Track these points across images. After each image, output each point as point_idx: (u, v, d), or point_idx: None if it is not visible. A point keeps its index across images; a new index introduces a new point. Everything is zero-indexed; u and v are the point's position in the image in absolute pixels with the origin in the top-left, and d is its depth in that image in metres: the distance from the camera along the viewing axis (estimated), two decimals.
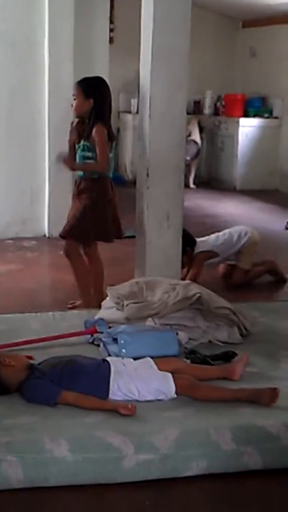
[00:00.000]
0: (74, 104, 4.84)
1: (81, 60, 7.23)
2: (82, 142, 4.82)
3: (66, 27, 7.07)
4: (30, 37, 7.09)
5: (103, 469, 2.87)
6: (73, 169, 5.01)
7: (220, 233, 5.89)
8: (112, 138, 4.91)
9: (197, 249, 5.69)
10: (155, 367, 3.43)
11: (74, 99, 4.84)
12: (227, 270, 5.95)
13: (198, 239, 5.76)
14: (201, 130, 11.14)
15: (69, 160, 4.89)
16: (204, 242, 5.78)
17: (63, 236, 4.94)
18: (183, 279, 5.20)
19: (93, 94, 4.76)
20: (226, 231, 5.92)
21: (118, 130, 11.24)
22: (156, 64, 4.76)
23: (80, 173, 4.89)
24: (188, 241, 5.54)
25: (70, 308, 4.93)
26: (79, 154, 4.85)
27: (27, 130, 7.24)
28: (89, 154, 4.79)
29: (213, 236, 5.87)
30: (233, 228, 5.97)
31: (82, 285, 4.97)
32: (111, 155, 4.85)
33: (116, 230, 4.95)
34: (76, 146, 4.86)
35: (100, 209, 4.81)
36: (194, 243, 5.69)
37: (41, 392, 3.24)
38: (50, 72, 7.10)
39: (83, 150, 4.81)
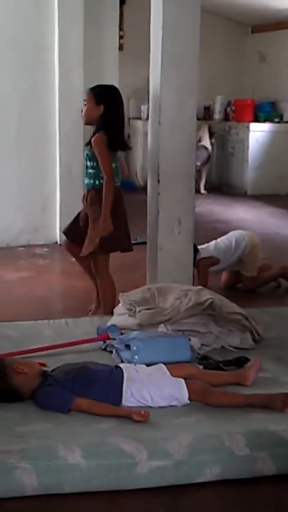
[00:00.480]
0: (84, 110, 4.81)
1: (91, 67, 7.26)
2: (86, 150, 4.81)
3: (75, 33, 7.09)
4: (40, 43, 7.11)
5: (117, 475, 2.87)
6: (105, 222, 4.69)
7: (219, 240, 5.81)
8: (124, 146, 4.86)
9: (199, 256, 5.62)
10: (168, 373, 3.43)
11: (85, 105, 4.81)
12: (230, 278, 5.85)
13: (199, 247, 5.66)
14: (211, 135, 11.14)
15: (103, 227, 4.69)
16: (205, 249, 5.69)
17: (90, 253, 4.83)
18: None
19: (105, 100, 4.70)
20: (223, 237, 5.84)
21: (129, 136, 11.27)
22: (165, 70, 4.77)
23: (87, 182, 4.81)
24: None
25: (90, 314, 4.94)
26: (84, 163, 4.84)
27: (38, 136, 7.26)
28: (90, 163, 4.76)
29: (212, 242, 5.78)
30: (229, 234, 5.86)
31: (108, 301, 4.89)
32: (113, 165, 4.72)
33: (128, 241, 4.85)
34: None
35: (115, 221, 4.69)
36: (196, 250, 5.58)
37: (54, 399, 3.25)
38: (60, 78, 7.12)
39: (86, 159, 4.80)
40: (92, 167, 4.75)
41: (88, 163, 4.77)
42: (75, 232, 4.93)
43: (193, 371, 3.55)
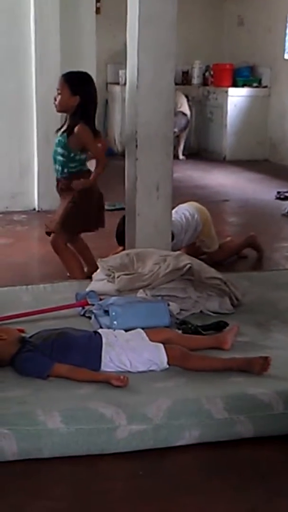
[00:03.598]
0: (58, 99, 4.75)
1: (67, 31, 7.15)
2: (58, 136, 4.80)
3: None
4: (15, 8, 7.00)
5: (96, 440, 2.89)
6: (87, 184, 4.83)
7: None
8: (97, 134, 4.87)
9: None
10: (147, 338, 3.44)
11: (58, 94, 4.75)
12: (190, 251, 5.39)
13: None
14: (189, 101, 11.07)
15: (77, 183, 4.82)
16: None
17: (49, 233, 4.97)
18: None
19: (81, 91, 4.69)
20: (173, 212, 5.36)
21: (107, 101, 11.20)
22: (143, 34, 4.71)
23: (65, 170, 4.83)
24: None
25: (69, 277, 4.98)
26: (54, 148, 4.85)
27: (15, 103, 7.18)
28: (61, 150, 4.78)
29: None
30: (178, 209, 5.51)
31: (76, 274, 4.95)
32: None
33: (98, 220, 4.95)
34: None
35: (83, 204, 4.80)
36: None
37: (33, 365, 3.25)
38: (37, 43, 7.01)
39: (57, 145, 4.81)
40: (62, 155, 4.79)
41: (59, 150, 4.80)
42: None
43: (171, 335, 3.56)
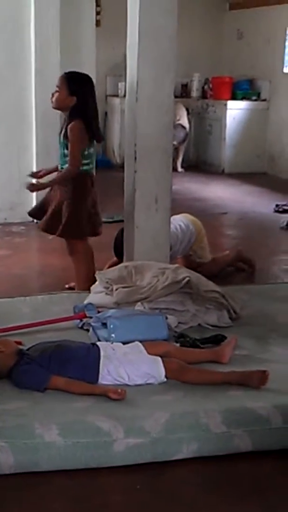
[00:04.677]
0: (55, 96, 4.77)
1: (67, 43, 7.19)
2: (61, 140, 4.80)
3: (52, 9, 6.99)
4: (16, 19, 7.02)
5: (94, 453, 2.88)
6: (42, 189, 4.96)
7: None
8: (98, 137, 4.88)
9: None
10: (144, 351, 3.43)
11: (57, 91, 4.76)
12: (186, 263, 5.44)
13: None
14: (188, 113, 11.09)
15: (32, 186, 4.93)
16: None
17: (43, 229, 4.95)
18: None
19: (78, 92, 4.69)
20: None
21: (106, 114, 11.20)
22: (143, 46, 4.73)
23: (63, 167, 4.82)
24: None
25: (68, 288, 4.98)
26: (60, 151, 4.85)
27: (14, 113, 7.19)
28: (66, 151, 4.76)
29: None
30: (173, 220, 5.35)
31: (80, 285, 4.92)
32: (91, 150, 4.81)
33: (93, 227, 4.89)
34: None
35: (75, 205, 4.75)
36: None
37: (30, 378, 3.24)
38: (37, 54, 7.04)
39: (63, 147, 4.80)
40: (64, 155, 4.78)
41: (65, 151, 4.78)
42: (42, 215, 4.93)
43: (169, 348, 3.55)
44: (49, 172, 5.07)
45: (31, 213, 5.19)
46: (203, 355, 3.61)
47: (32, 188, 4.95)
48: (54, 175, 4.98)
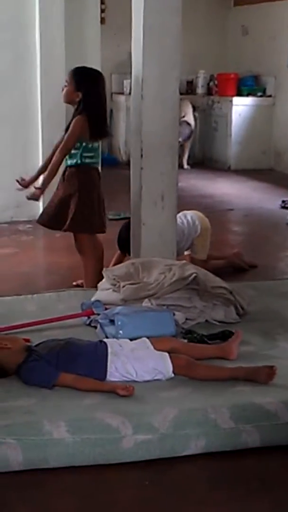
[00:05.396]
0: (64, 90, 4.79)
1: (72, 41, 7.18)
2: (65, 136, 4.79)
3: (56, 7, 7.01)
4: (20, 18, 7.02)
5: (102, 450, 2.88)
6: (44, 189, 4.85)
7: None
8: (103, 133, 4.89)
9: None
10: (152, 347, 3.44)
11: (65, 85, 4.79)
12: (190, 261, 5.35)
13: None
14: (194, 110, 11.08)
15: (34, 193, 4.86)
16: None
17: (41, 223, 4.95)
18: None
19: (84, 88, 4.70)
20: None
21: (111, 111, 11.20)
22: (148, 44, 4.73)
23: (68, 162, 4.81)
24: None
25: (75, 286, 4.98)
26: None
27: (20, 112, 7.19)
28: (73, 150, 4.77)
29: None
30: (180, 214, 5.45)
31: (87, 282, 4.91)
32: (95, 145, 4.80)
33: (100, 222, 4.87)
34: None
35: (82, 198, 4.74)
36: None
37: (39, 375, 3.25)
38: (42, 52, 7.04)
39: None
40: (75, 148, 4.75)
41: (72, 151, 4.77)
42: (50, 218, 4.91)
43: (176, 344, 3.56)
44: (35, 178, 5.01)
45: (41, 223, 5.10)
46: (211, 351, 3.61)
47: (36, 194, 4.85)
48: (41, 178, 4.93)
